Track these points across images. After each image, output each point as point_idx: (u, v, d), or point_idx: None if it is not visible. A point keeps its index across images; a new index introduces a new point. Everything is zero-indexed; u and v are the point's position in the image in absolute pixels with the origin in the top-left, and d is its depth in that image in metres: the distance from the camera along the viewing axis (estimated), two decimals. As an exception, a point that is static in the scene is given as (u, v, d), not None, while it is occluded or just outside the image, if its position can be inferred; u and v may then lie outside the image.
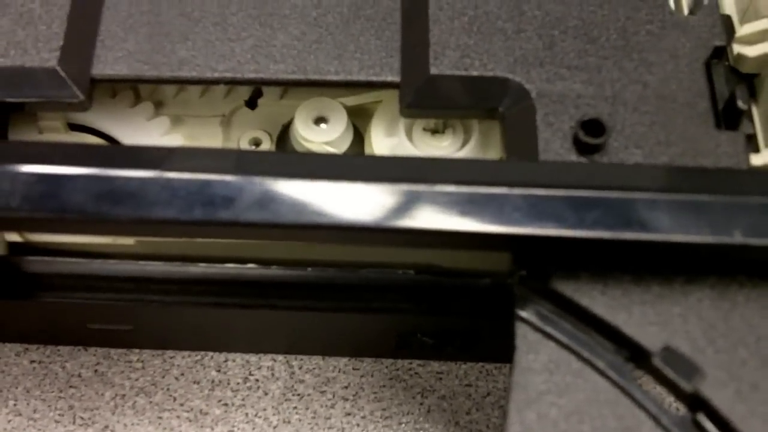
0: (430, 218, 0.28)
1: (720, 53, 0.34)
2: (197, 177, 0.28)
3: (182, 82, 0.34)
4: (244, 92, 0.37)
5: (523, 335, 0.28)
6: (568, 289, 0.29)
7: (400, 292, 0.34)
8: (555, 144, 0.31)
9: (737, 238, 0.28)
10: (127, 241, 0.34)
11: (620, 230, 0.27)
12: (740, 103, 0.32)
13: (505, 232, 0.28)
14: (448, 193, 0.28)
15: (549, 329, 0.28)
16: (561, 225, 0.27)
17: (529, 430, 0.27)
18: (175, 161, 0.28)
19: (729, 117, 0.32)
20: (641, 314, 0.28)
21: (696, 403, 0.27)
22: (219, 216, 0.27)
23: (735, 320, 0.28)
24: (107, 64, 0.33)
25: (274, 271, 0.34)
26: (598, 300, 0.28)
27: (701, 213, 0.28)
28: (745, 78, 0.34)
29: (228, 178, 0.27)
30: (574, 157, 0.31)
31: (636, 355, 0.28)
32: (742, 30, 0.34)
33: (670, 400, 0.28)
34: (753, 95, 0.34)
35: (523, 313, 0.29)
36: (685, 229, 0.27)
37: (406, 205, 0.28)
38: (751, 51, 0.33)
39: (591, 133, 0.31)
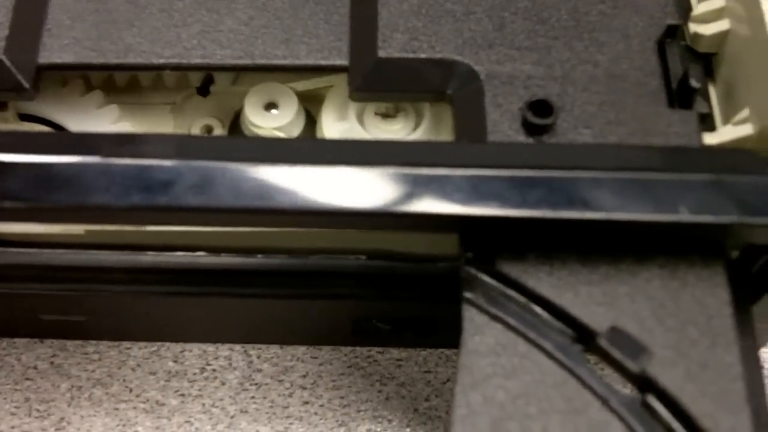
0: (375, 200, 0.27)
1: (674, 32, 0.33)
2: (137, 162, 0.27)
3: (129, 69, 0.33)
4: (197, 79, 0.37)
5: (470, 317, 0.28)
6: (515, 270, 0.28)
7: (353, 277, 0.34)
8: (503, 125, 0.31)
9: (684, 215, 0.27)
10: (77, 230, 0.34)
11: (564, 209, 0.27)
12: (693, 82, 0.32)
13: (448, 212, 0.27)
14: (392, 175, 0.27)
15: (496, 311, 0.28)
16: (505, 205, 0.27)
17: (475, 413, 0.27)
18: (113, 146, 0.27)
19: (682, 96, 0.32)
20: (588, 294, 0.28)
21: (644, 383, 0.27)
22: (158, 201, 0.27)
23: (684, 300, 0.28)
24: (53, 51, 0.33)
25: (223, 259, 0.33)
26: (545, 281, 0.28)
27: (647, 191, 0.27)
28: (703, 57, 0.34)
29: (167, 162, 0.27)
30: (522, 138, 0.31)
31: (583, 336, 0.28)
32: (698, 8, 0.34)
33: (621, 381, 0.28)
34: (710, 74, 0.34)
35: (470, 295, 0.28)
36: (631, 207, 0.27)
37: (351, 187, 0.27)
38: (707, 30, 0.33)
39: (539, 113, 0.31)
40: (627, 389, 0.28)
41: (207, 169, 0.27)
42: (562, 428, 0.27)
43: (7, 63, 0.32)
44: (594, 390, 0.27)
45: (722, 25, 0.33)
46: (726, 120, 0.33)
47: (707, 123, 0.33)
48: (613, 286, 0.28)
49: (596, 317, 0.28)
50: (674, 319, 0.28)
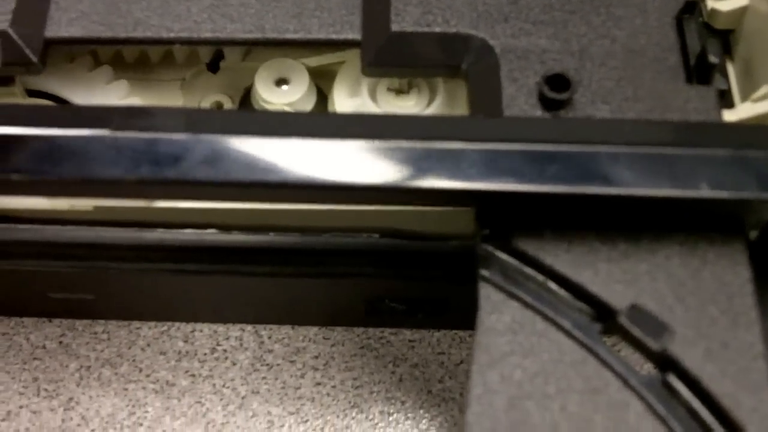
0: (390, 175, 0.27)
1: (692, 8, 0.33)
2: (146, 135, 0.27)
3: (138, 43, 0.33)
4: (206, 55, 0.36)
5: (487, 295, 0.28)
6: (532, 247, 0.28)
7: (366, 256, 0.33)
8: (519, 100, 0.30)
9: (704, 191, 0.27)
10: (86, 206, 0.33)
11: (582, 185, 0.26)
12: (711, 58, 0.31)
13: (465, 187, 0.27)
14: (408, 149, 0.27)
15: (513, 289, 0.28)
16: (522, 180, 0.27)
17: (492, 391, 0.26)
18: (122, 119, 0.27)
19: (701, 72, 0.32)
20: (607, 272, 0.27)
21: (665, 362, 0.27)
22: (167, 174, 0.26)
23: (705, 277, 0.28)
24: (61, 25, 0.32)
25: (234, 237, 0.33)
26: (563, 258, 0.28)
27: (666, 166, 0.27)
28: (720, 34, 0.33)
29: (177, 136, 0.27)
30: (539, 113, 0.30)
31: (602, 314, 0.27)
32: (715, -15, 0.33)
33: (641, 361, 0.27)
34: (728, 51, 0.33)
35: (487, 273, 0.28)
36: (649, 182, 0.27)
37: (366, 161, 0.27)
38: (724, 6, 0.33)
39: (556, 88, 0.30)
40: (645, 369, 0.27)
41: (217, 143, 0.27)
42: (580, 408, 0.26)
43: (15, 36, 0.32)
44: (613, 369, 0.27)
45: (740, 1, 0.33)
46: (745, 97, 0.32)
47: (726, 100, 0.32)
48: (632, 264, 0.28)
49: (616, 295, 0.27)
50: (695, 297, 0.27)
